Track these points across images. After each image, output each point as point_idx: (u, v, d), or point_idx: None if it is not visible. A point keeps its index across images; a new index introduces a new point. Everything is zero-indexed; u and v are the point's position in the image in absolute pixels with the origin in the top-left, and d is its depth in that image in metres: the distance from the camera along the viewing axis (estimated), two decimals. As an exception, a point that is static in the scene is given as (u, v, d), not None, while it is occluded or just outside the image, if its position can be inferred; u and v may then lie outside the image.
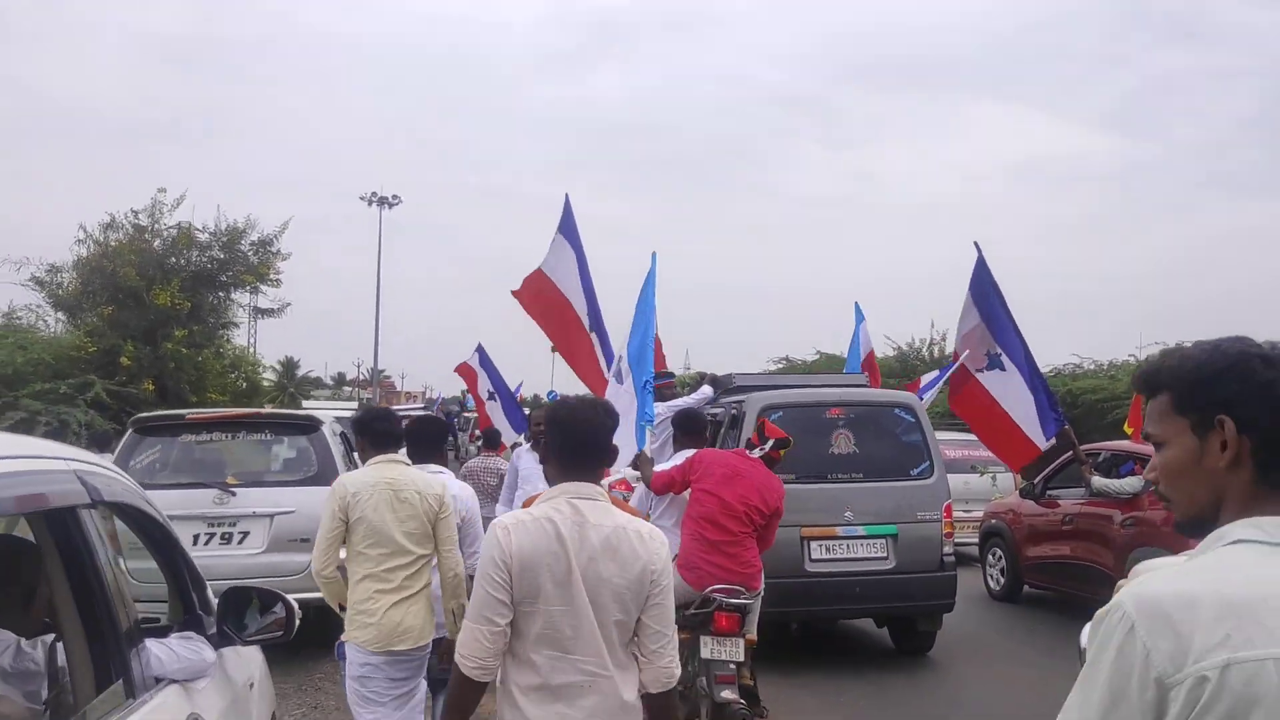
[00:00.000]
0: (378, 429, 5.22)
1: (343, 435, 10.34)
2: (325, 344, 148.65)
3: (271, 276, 25.29)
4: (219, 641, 3.37)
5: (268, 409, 8.58)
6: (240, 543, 8.39)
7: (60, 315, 24.68)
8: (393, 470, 5.03)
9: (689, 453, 6.71)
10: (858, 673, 8.37)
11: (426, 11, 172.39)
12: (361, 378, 77.59)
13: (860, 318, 11.92)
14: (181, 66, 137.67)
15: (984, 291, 10.79)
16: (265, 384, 60.90)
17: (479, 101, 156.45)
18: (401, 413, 24.75)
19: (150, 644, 2.85)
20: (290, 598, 3.54)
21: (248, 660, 3.84)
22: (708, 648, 5.88)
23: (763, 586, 6.42)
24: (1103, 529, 10.14)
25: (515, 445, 22.18)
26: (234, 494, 8.41)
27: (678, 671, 3.09)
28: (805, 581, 8.03)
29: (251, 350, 58.82)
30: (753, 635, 6.22)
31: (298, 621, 3.49)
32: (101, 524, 2.56)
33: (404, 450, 5.42)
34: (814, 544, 8.16)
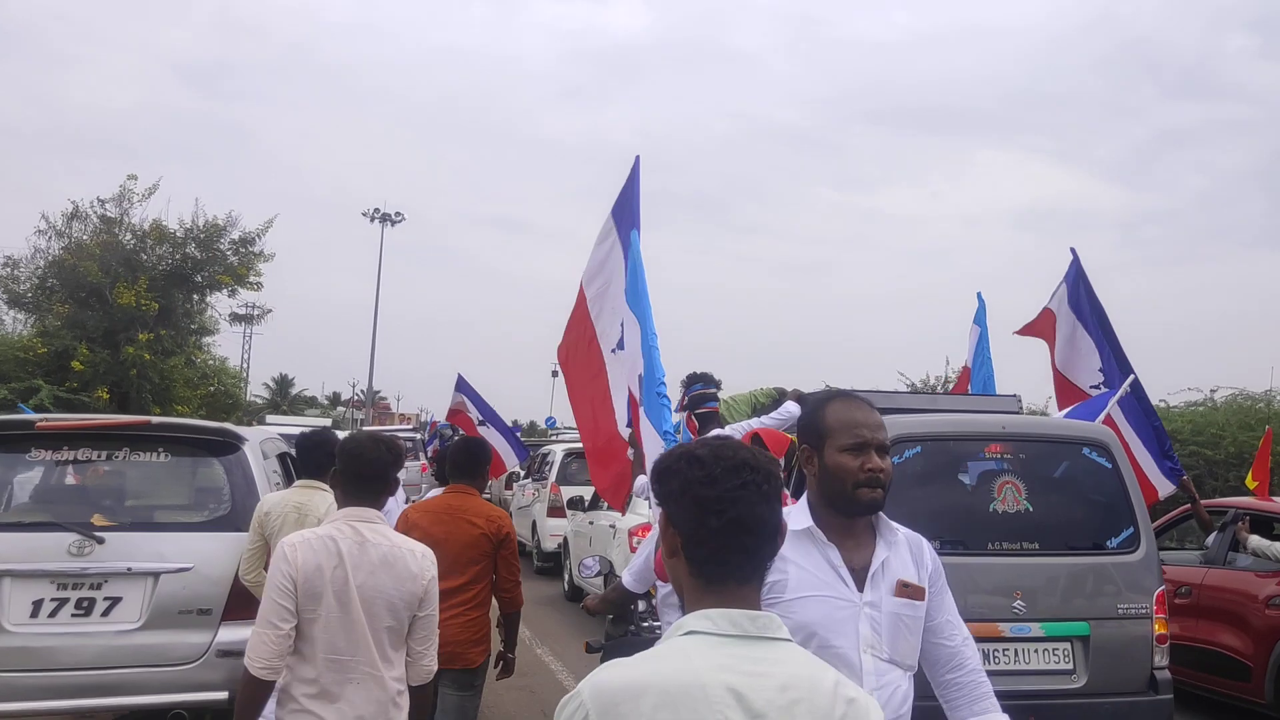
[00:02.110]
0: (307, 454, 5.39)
1: (284, 457, 7.47)
2: (323, 363, 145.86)
3: (251, 279, 22.45)
4: None
5: (158, 419, 5.37)
6: (105, 613, 5.49)
7: (16, 313, 21.83)
8: (305, 495, 5.22)
9: None
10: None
11: (443, 43, 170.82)
12: (357, 398, 74.60)
13: (982, 311, 8.80)
14: (199, 88, 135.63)
15: (1081, 306, 8.37)
16: (256, 401, 58.65)
17: (491, 132, 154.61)
18: (391, 433, 21.90)
19: None
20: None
21: None
22: None
23: None
24: (1240, 607, 7.83)
25: (511, 476, 19.92)
26: (100, 540, 5.53)
27: (434, 668, 3.58)
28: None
29: (244, 365, 56.69)
30: None
31: None
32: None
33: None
34: (967, 648, 5.26)
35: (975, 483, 5.56)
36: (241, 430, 6.22)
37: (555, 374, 77.28)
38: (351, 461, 3.53)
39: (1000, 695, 5.11)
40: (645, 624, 5.27)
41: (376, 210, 52.15)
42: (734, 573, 1.67)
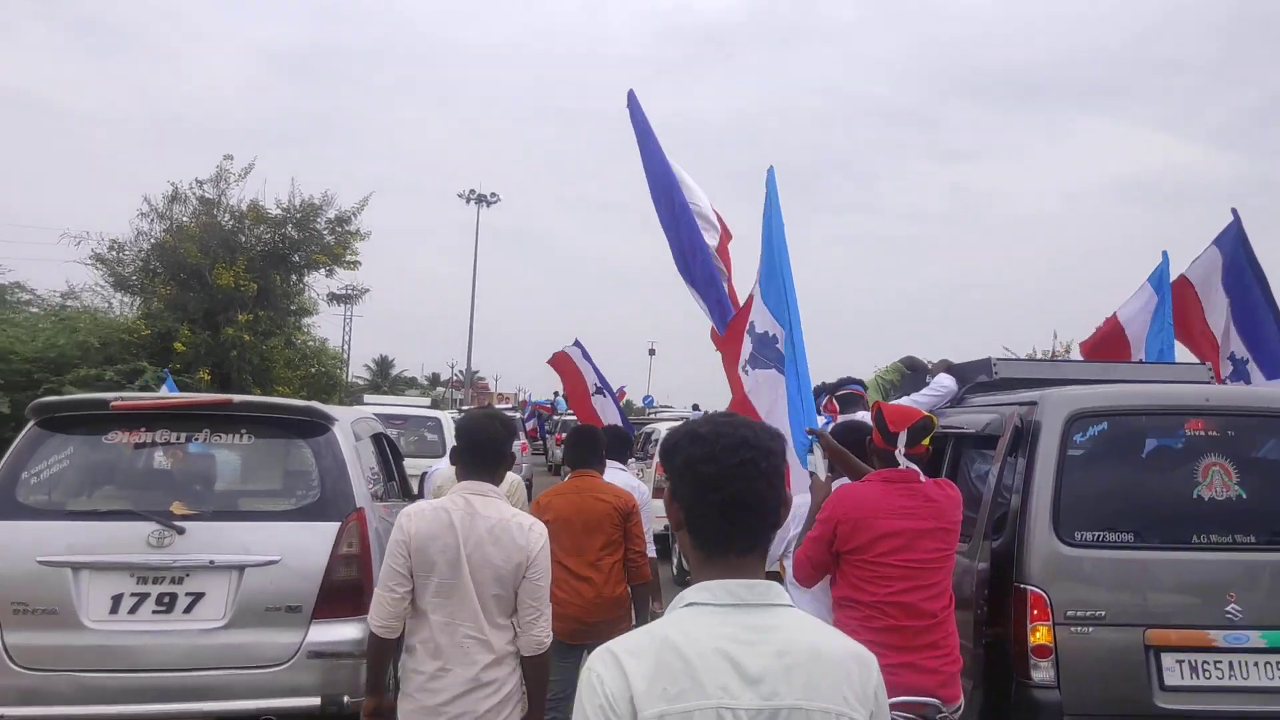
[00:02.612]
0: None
1: (379, 439, 6.93)
2: (422, 344, 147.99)
3: (348, 258, 22.17)
4: None
5: (241, 398, 4.78)
6: (188, 610, 4.99)
7: (123, 296, 21.90)
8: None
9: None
10: None
11: (540, 25, 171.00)
12: (455, 378, 75.20)
13: (1163, 272, 7.64)
14: (298, 76, 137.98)
15: (1238, 273, 7.39)
16: (358, 382, 59.22)
17: (584, 112, 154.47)
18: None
19: None
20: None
21: None
22: None
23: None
24: None
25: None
26: (181, 531, 5.01)
27: (547, 640, 3.56)
28: (1154, 726, 4.31)
29: (344, 346, 57.31)
30: None
31: None
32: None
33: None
34: (1171, 658, 4.43)
35: (1173, 463, 4.68)
36: (331, 409, 5.64)
37: (653, 353, 76.85)
38: (468, 437, 3.73)
39: (1221, 718, 4.34)
40: None
41: (472, 191, 52.30)
42: (734, 545, 1.74)
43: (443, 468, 7.17)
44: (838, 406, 5.67)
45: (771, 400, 5.23)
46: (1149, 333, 7.36)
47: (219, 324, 20.36)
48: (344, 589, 5.08)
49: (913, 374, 6.11)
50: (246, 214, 21.42)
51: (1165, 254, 7.65)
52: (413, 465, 9.32)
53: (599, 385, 12.05)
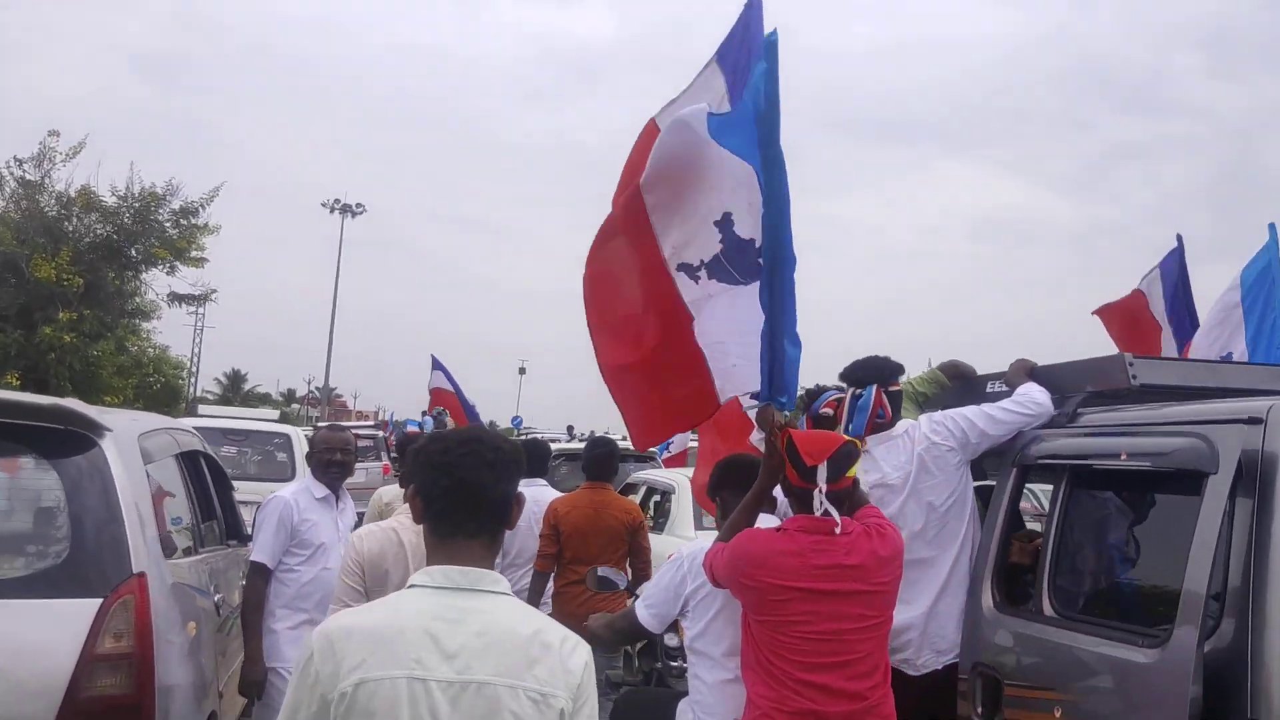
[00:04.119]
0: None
1: (193, 460, 4.82)
2: (277, 359, 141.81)
3: (193, 253, 19.45)
4: None
5: None
6: None
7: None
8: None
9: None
10: None
11: (406, 41, 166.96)
12: (313, 395, 71.09)
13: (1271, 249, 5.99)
14: (154, 79, 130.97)
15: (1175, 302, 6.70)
16: (208, 397, 54.97)
17: (454, 133, 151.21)
18: (352, 430, 19.18)
19: None
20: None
21: None
22: None
23: None
24: None
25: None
26: None
27: None
28: None
29: (194, 358, 53.10)
30: None
31: None
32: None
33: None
34: None
35: None
36: (101, 413, 3.50)
37: (523, 371, 74.47)
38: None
39: None
40: (675, 663, 4.30)
41: (337, 201, 49.12)
42: (460, 529, 1.92)
43: (388, 486, 7.11)
44: (886, 401, 3.87)
45: (743, 320, 3.60)
46: (1249, 329, 5.77)
47: (35, 322, 17.45)
48: (104, 713, 3.00)
49: (961, 384, 4.35)
50: (75, 200, 18.56)
51: (1272, 226, 5.90)
52: (256, 491, 7.15)
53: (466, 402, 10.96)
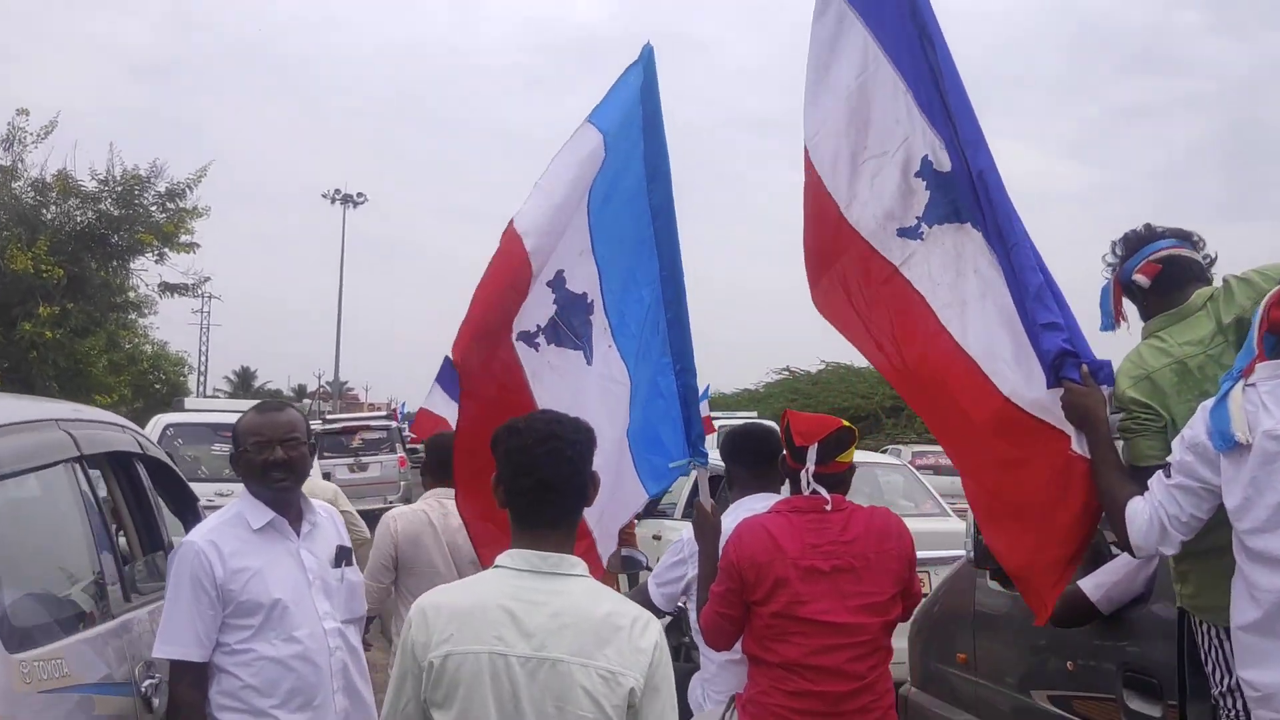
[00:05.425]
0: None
1: (127, 465, 3.13)
2: (287, 356, 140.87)
3: (181, 239, 17.78)
4: None
5: None
6: None
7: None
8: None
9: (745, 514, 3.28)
10: None
11: (406, 37, 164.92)
12: (324, 389, 69.59)
13: None
14: (154, 79, 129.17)
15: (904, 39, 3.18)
16: (219, 395, 53.44)
17: (457, 122, 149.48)
18: (363, 421, 17.56)
19: None
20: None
21: None
22: None
23: None
24: None
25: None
26: None
27: None
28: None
29: (201, 354, 51.60)
30: None
31: None
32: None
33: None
34: None
35: None
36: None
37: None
38: (436, 452, 4.36)
39: None
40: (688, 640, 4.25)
41: (337, 191, 47.57)
42: (543, 519, 2.06)
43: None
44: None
45: (573, 393, 3.59)
46: None
47: (15, 318, 15.85)
48: None
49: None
50: (52, 185, 16.92)
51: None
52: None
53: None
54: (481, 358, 3.56)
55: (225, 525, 2.76)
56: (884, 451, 15.20)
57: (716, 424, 13.07)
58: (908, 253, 3.05)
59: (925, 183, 3.01)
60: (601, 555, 3.69)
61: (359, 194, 47.86)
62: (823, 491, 2.99)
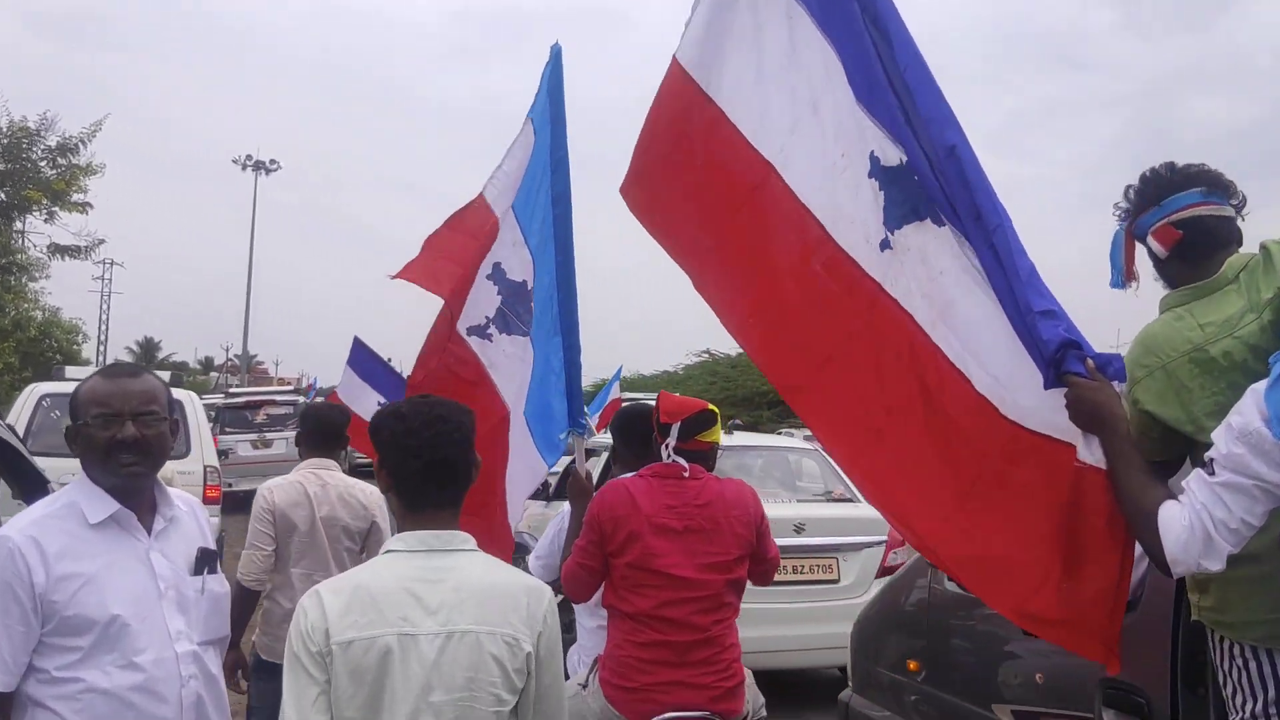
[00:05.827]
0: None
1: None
2: (193, 327, 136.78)
3: (73, 197, 16.69)
4: None
5: None
6: None
7: None
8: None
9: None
10: None
11: (327, 6, 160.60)
12: (232, 362, 67.47)
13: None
14: (60, 39, 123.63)
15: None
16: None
17: (378, 95, 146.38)
18: (268, 396, 16.54)
19: None
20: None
21: None
22: None
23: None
24: None
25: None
26: None
27: None
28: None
29: (101, 323, 49.45)
30: None
31: None
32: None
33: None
34: None
35: None
36: None
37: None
38: (314, 422, 4.51)
39: None
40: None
41: (249, 158, 45.86)
42: (432, 501, 2.10)
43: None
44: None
45: (519, 383, 4.07)
46: None
47: (-115, 278, 14.69)
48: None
49: None
50: (-70, 136, 15.70)
51: None
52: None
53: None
54: (440, 359, 3.98)
55: (53, 518, 2.20)
56: (779, 433, 14.83)
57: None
58: (885, 268, 2.66)
59: (877, 183, 2.68)
60: (512, 525, 4.10)
61: (272, 160, 46.32)
62: (682, 461, 3.34)
